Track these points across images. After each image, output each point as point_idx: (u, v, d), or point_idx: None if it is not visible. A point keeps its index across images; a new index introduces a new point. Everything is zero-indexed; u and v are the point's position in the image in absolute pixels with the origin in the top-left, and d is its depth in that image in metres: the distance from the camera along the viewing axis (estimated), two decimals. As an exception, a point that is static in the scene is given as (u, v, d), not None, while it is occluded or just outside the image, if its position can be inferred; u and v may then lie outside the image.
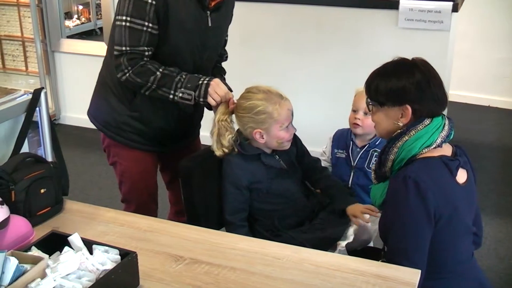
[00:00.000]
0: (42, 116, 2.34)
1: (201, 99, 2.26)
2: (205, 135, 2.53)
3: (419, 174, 1.83)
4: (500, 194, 4.04)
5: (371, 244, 2.54)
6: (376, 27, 4.11)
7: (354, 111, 2.60)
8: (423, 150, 1.89)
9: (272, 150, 2.36)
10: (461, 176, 1.93)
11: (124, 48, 2.24)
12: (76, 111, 5.26)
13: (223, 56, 2.65)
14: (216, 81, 2.27)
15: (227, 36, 2.60)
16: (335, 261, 1.81)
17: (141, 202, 2.54)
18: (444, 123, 1.93)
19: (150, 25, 2.22)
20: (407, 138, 1.89)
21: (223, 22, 2.46)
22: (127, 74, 2.25)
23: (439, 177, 1.87)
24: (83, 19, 6.12)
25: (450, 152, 1.95)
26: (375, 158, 2.58)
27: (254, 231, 2.32)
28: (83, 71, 5.10)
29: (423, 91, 1.89)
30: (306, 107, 4.05)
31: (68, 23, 5.68)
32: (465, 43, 5.29)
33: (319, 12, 4.22)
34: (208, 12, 2.31)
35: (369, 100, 2.00)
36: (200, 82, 2.25)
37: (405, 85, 1.90)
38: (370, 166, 2.59)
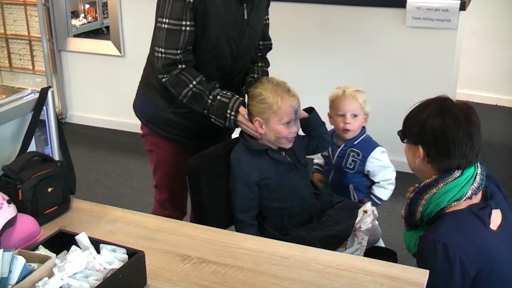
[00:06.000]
0: (49, 115, 2.34)
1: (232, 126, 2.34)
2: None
3: (450, 236, 1.77)
4: (507, 193, 4.01)
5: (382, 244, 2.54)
6: (383, 26, 4.10)
7: (341, 115, 2.57)
8: (453, 203, 1.84)
9: (277, 147, 2.35)
10: (495, 219, 1.87)
11: (160, 49, 2.28)
12: (83, 109, 5.26)
13: (267, 46, 2.67)
14: (240, 119, 2.30)
15: (267, 19, 2.63)
16: (343, 260, 1.80)
17: (173, 189, 2.59)
18: (476, 173, 1.86)
19: (188, 23, 2.24)
20: (435, 191, 1.85)
21: (258, 12, 2.46)
22: (164, 80, 2.31)
23: (472, 234, 1.81)
24: (89, 18, 6.13)
25: (479, 196, 1.89)
26: (352, 158, 2.56)
27: (263, 230, 2.32)
28: (89, 70, 5.11)
29: (436, 138, 1.84)
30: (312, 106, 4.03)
31: (75, 22, 5.68)
32: (472, 41, 5.26)
33: (326, 10, 4.21)
34: (245, 4, 2.34)
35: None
36: (228, 115, 2.29)
37: (422, 126, 1.87)
38: (348, 165, 2.57)
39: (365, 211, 2.36)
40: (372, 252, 2.30)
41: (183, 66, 2.28)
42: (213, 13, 2.26)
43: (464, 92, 5.33)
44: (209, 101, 2.28)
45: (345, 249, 2.31)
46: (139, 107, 2.60)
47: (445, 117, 1.85)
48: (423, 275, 1.69)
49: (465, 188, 1.83)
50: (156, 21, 2.31)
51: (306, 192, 2.40)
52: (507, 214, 1.92)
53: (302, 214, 2.36)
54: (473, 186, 1.84)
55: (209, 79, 2.36)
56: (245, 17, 2.36)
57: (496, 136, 5.03)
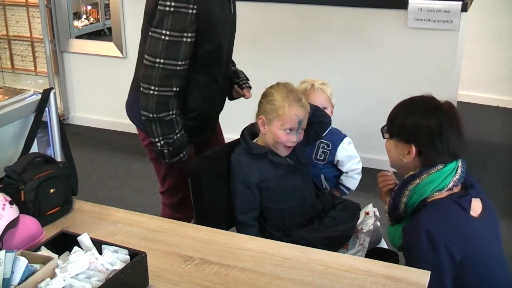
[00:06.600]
0: (51, 116, 2.35)
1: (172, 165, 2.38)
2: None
3: (432, 223, 1.81)
4: (508, 194, 4.02)
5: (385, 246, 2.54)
6: (385, 27, 4.10)
7: None
8: (435, 193, 1.88)
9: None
10: (476, 207, 1.90)
11: (158, 60, 2.20)
12: (85, 111, 5.27)
13: None
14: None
15: None
16: (345, 261, 1.80)
17: (186, 191, 2.52)
18: (458, 166, 1.91)
19: (189, 34, 2.21)
20: (418, 181, 1.89)
21: (235, 4, 2.50)
22: (151, 92, 2.23)
23: (454, 220, 1.84)
24: (91, 19, 6.12)
25: (460, 188, 1.93)
26: (322, 150, 2.57)
27: (264, 231, 2.32)
28: (91, 71, 5.12)
29: (433, 137, 1.87)
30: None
31: (77, 23, 5.68)
32: (474, 43, 5.27)
33: (328, 12, 4.21)
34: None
35: (385, 125, 2.00)
36: (182, 155, 2.33)
37: (416, 125, 1.90)
38: (318, 157, 2.59)
39: (367, 213, 2.37)
40: (374, 253, 2.31)
41: (177, 88, 2.25)
42: (214, 17, 2.26)
43: (465, 93, 5.33)
44: (174, 136, 2.28)
45: (347, 250, 2.32)
46: (130, 106, 2.51)
47: (439, 116, 1.89)
48: (424, 276, 1.69)
49: (447, 179, 1.88)
50: (150, 31, 2.22)
51: (307, 192, 2.40)
52: (487, 204, 1.96)
53: (303, 215, 2.36)
54: (455, 178, 1.89)
55: (213, 79, 2.38)
56: (232, 11, 2.39)
57: (497, 137, 5.03)
